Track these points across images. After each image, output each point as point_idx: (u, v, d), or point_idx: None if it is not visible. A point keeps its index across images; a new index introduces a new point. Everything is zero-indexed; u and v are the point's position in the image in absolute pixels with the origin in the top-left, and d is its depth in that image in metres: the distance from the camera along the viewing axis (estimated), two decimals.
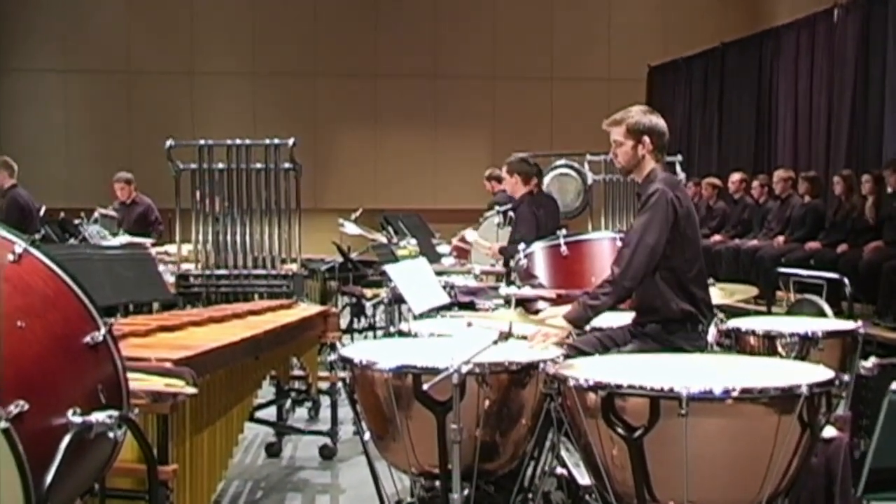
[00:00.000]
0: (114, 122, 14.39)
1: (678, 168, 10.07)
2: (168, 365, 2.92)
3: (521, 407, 3.22)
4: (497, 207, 7.29)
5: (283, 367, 4.53)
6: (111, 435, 2.23)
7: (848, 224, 8.81)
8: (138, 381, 2.71)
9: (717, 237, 10.60)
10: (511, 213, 6.75)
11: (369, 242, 7.74)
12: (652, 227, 3.66)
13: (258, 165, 6.41)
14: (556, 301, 4.59)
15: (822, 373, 2.88)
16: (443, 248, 7.79)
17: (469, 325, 4.08)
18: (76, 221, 8.53)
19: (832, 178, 9.42)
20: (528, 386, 3.21)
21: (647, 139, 3.82)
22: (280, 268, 6.40)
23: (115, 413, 2.23)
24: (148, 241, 8.31)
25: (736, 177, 10.89)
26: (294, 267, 6.42)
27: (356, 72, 14.85)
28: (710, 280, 4.08)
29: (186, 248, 6.67)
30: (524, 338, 3.59)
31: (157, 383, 2.79)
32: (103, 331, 2.30)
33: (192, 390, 2.85)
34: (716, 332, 4.12)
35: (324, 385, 5.49)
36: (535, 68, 15.01)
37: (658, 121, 3.86)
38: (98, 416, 2.19)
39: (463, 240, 7.35)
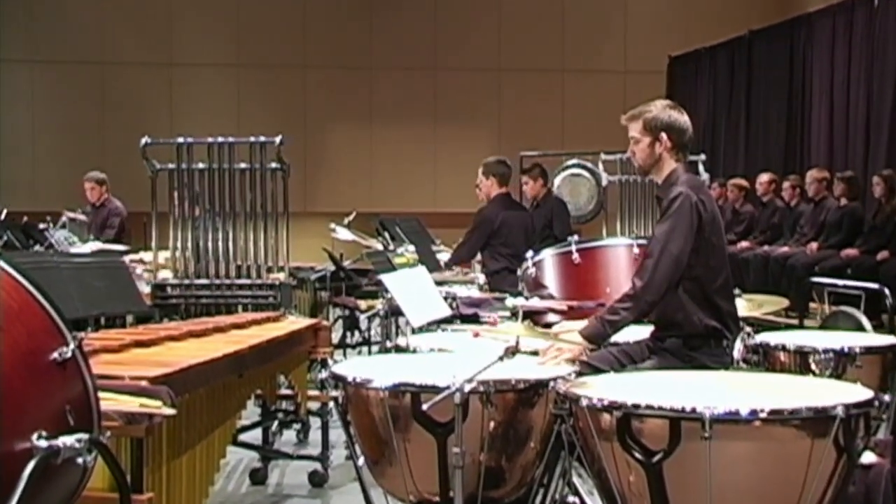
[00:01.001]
0: (84, 117, 14.42)
1: (701, 168, 10.08)
2: (143, 383, 2.92)
3: (529, 429, 3.22)
4: None
5: (269, 385, 4.52)
6: (80, 461, 2.22)
7: (889, 229, 8.80)
8: (110, 402, 2.71)
9: (743, 244, 10.61)
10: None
11: (363, 249, 7.74)
12: (675, 235, 3.67)
13: (242, 165, 6.41)
14: (568, 313, 4.59)
15: (860, 392, 2.88)
16: (443, 256, 7.79)
17: (476, 335, 4.08)
18: (42, 226, 8.54)
19: (871, 178, 9.42)
20: (536, 406, 3.21)
21: (664, 136, 3.84)
22: (266, 277, 6.40)
23: (84, 436, 2.22)
24: (121, 248, 8.32)
25: (765, 178, 10.90)
26: (281, 276, 6.42)
27: (349, 64, 14.88)
28: (737, 291, 4.09)
29: (163, 256, 6.66)
30: (535, 353, 3.60)
31: (132, 404, 2.79)
32: (72, 346, 2.30)
33: (169, 411, 2.84)
34: (742, 347, 4.11)
35: (314, 405, 5.48)
36: (544, 60, 15.03)
37: (679, 116, 3.88)
38: (66, 440, 2.19)
39: None
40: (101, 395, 2.42)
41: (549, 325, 4.56)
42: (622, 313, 3.64)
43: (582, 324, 3.72)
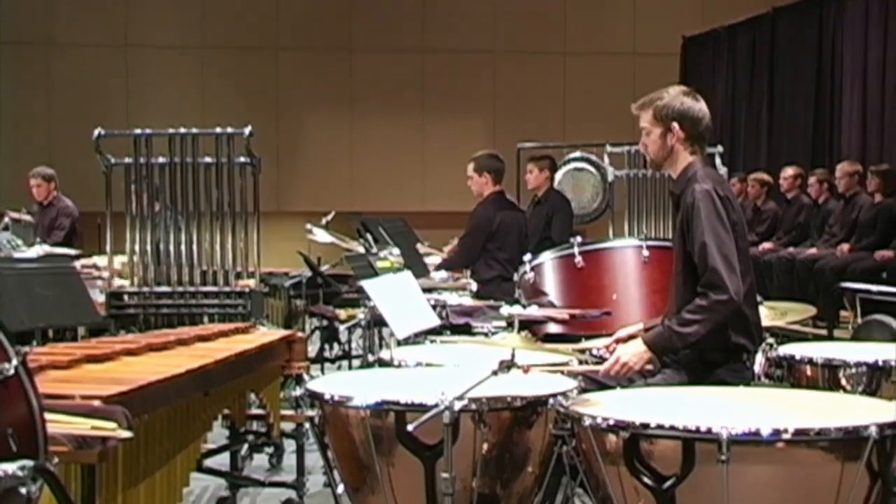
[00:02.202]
0: (28, 105, 14.36)
1: (718, 161, 10.12)
2: (96, 403, 2.91)
3: (526, 451, 3.23)
4: None
5: (238, 404, 4.52)
6: (24, 490, 2.22)
7: None
8: (59, 424, 2.70)
9: (766, 245, 10.63)
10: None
11: (343, 253, 7.72)
12: (711, 228, 3.69)
13: (207, 159, 6.41)
14: (569, 323, 4.60)
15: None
16: (433, 260, 7.78)
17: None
18: None
19: None
20: (535, 426, 3.23)
21: (676, 126, 3.86)
22: (235, 284, 6.40)
23: (28, 463, 2.22)
24: (72, 252, 8.30)
25: (789, 171, 10.92)
26: (252, 283, 6.42)
27: (327, 46, 14.87)
28: (759, 298, 4.09)
29: (119, 261, 6.66)
30: (599, 361, 3.64)
31: (83, 426, 2.78)
32: (15, 362, 2.29)
33: (125, 434, 2.84)
34: (764, 360, 4.12)
35: (288, 426, 5.47)
36: (544, 41, 15.04)
37: (694, 104, 3.90)
38: (7, 468, 2.18)
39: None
40: (47, 416, 2.42)
41: (549, 337, 4.58)
42: (693, 326, 3.64)
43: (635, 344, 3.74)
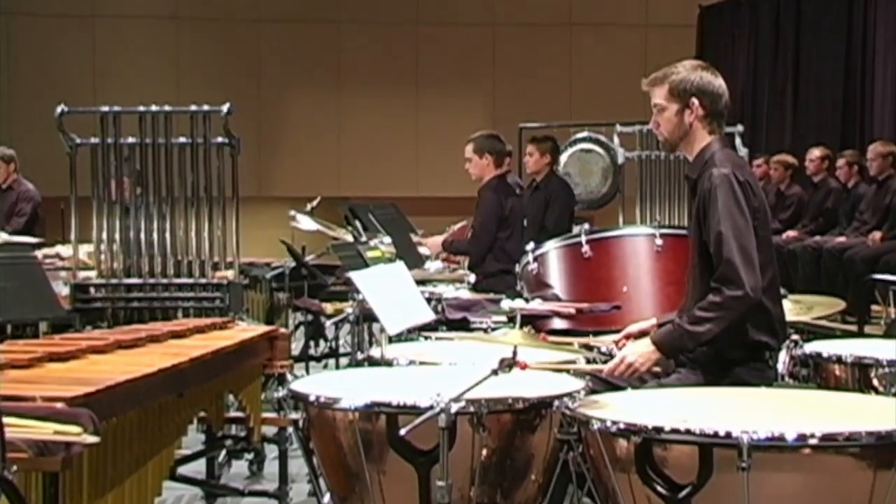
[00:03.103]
0: None
1: (739, 142, 10.09)
2: (59, 405, 2.91)
3: (529, 458, 3.24)
4: None
5: (215, 406, 4.52)
6: None
7: None
8: (18, 429, 2.70)
9: (790, 233, 10.64)
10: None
11: (330, 241, 7.72)
12: (729, 216, 3.69)
13: (182, 140, 6.39)
14: (576, 318, 4.60)
15: None
16: (426, 251, 7.78)
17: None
18: None
19: None
20: (538, 430, 3.24)
21: (696, 102, 3.87)
22: (212, 275, 6.38)
23: None
24: (33, 240, 8.29)
25: (816, 153, 10.92)
26: (230, 274, 6.41)
27: (313, 17, 14.85)
28: (783, 291, 4.09)
29: (85, 250, 6.65)
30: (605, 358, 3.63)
31: (44, 430, 2.78)
32: None
33: (91, 439, 2.84)
34: (789, 359, 4.13)
35: (269, 431, 5.47)
36: (548, 12, 15.03)
37: (712, 79, 3.91)
38: None
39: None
40: (5, 420, 2.41)
41: (553, 332, 4.58)
42: (706, 325, 3.63)
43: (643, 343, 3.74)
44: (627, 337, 3.96)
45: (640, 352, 3.70)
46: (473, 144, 7.16)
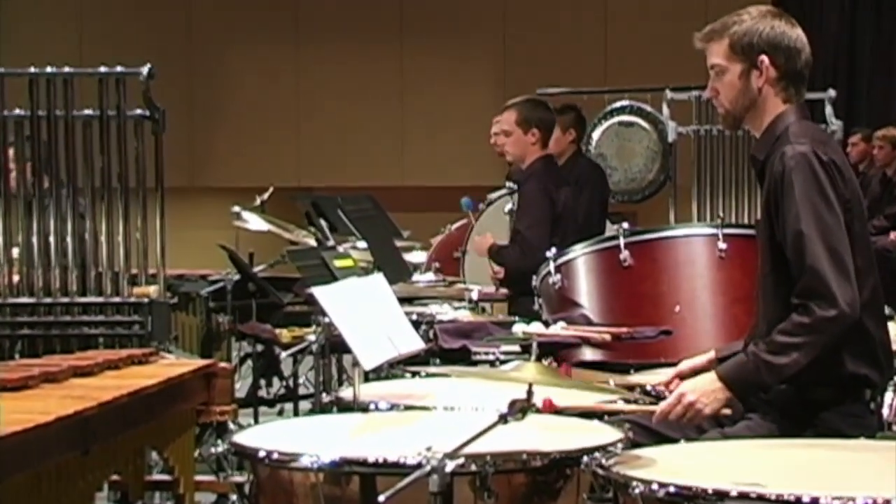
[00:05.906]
0: None
1: (829, 111, 10.07)
2: None
3: None
4: (509, 184, 7.38)
5: (132, 467, 4.53)
6: None
7: None
8: None
9: None
10: None
11: (286, 246, 7.72)
12: (811, 210, 3.67)
13: (88, 112, 6.39)
14: (611, 347, 4.58)
15: None
16: (414, 257, 7.78)
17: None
18: None
19: None
20: (562, 496, 3.26)
21: (765, 60, 3.88)
22: (128, 292, 6.40)
23: None
24: None
25: None
26: (153, 290, 6.43)
27: None
28: (888, 310, 4.08)
29: None
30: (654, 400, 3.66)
31: None
32: None
33: None
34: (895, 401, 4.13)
35: (206, 499, 5.47)
36: None
37: (788, 30, 3.92)
38: None
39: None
40: None
41: (582, 366, 4.57)
42: (793, 354, 3.62)
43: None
44: (679, 376, 3.94)
45: (703, 389, 3.70)
46: (517, 113, 7.02)
